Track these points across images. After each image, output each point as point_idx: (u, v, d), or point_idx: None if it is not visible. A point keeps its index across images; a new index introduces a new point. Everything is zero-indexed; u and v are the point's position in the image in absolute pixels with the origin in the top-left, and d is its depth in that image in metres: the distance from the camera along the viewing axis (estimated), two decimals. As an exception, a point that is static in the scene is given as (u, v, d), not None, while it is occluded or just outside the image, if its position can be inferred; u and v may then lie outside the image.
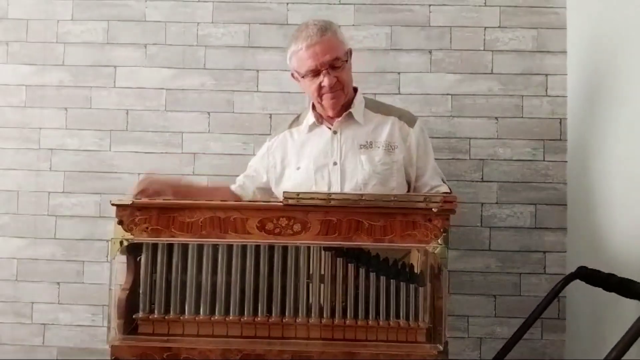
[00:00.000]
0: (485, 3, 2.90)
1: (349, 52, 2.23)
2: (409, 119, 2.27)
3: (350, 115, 2.24)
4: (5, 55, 2.98)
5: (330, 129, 2.25)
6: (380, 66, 2.87)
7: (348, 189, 2.15)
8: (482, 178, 2.87)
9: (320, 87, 2.15)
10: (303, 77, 2.17)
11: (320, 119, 2.28)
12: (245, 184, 2.41)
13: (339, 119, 2.23)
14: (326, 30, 2.14)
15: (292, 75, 2.26)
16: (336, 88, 2.15)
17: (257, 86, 2.95)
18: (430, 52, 2.92)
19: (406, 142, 2.23)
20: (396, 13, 2.93)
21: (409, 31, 2.93)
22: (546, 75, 2.87)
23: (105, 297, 2.83)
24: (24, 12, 2.99)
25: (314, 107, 2.30)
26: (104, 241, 2.89)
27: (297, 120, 2.39)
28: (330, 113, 2.24)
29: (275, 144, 2.36)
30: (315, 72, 2.13)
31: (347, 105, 2.25)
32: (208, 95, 2.95)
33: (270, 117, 2.94)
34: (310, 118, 2.29)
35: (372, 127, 2.24)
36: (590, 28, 2.63)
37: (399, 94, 2.90)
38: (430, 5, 2.92)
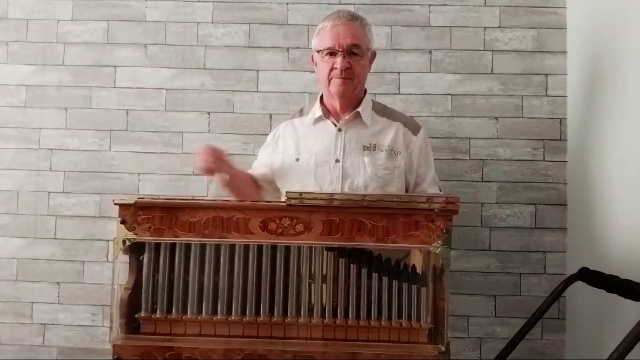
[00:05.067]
0: (485, 3, 2.91)
1: (372, 53, 2.27)
2: (413, 127, 2.29)
3: (358, 115, 2.25)
4: (5, 55, 2.98)
5: (335, 125, 2.25)
6: (380, 66, 2.86)
7: (348, 188, 2.16)
8: (482, 178, 2.87)
9: (331, 69, 2.17)
10: (319, 52, 2.20)
11: (327, 114, 2.28)
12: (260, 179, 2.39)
13: (346, 117, 2.24)
14: (356, 19, 2.20)
15: (312, 58, 2.29)
16: (347, 75, 2.16)
17: (257, 86, 2.95)
18: (430, 52, 2.92)
19: (408, 148, 2.24)
20: (396, 13, 2.94)
21: (409, 31, 2.94)
22: (546, 75, 2.87)
23: (105, 297, 2.85)
24: (24, 12, 2.99)
25: (322, 101, 2.31)
26: (104, 241, 2.90)
27: (300, 112, 2.39)
28: (336, 101, 2.25)
29: (278, 133, 2.37)
30: (332, 52, 2.16)
31: (356, 104, 2.26)
32: (208, 95, 2.95)
33: (270, 117, 2.94)
34: (316, 111, 2.29)
35: (376, 130, 2.25)
36: (590, 28, 2.63)
37: (399, 94, 2.91)
38: (430, 5, 2.93)
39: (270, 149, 2.38)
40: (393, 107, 2.43)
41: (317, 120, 2.29)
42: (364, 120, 2.24)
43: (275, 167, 2.32)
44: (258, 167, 2.40)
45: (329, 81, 2.20)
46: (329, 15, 2.23)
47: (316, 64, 2.27)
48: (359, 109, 2.24)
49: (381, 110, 2.33)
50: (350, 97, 2.24)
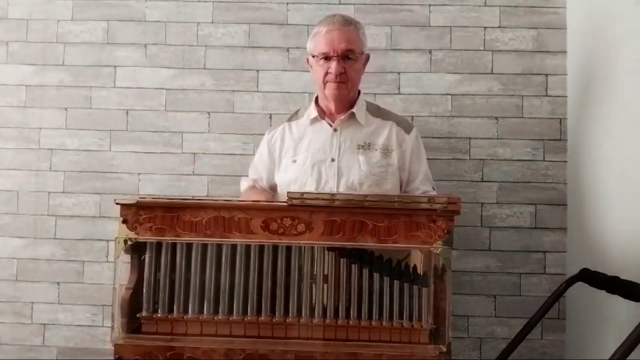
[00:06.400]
0: (485, 3, 2.91)
1: (365, 57, 2.30)
2: (406, 126, 2.34)
3: (352, 115, 2.28)
4: (5, 55, 2.98)
5: (331, 125, 2.29)
6: (380, 66, 2.87)
7: (343, 186, 2.19)
8: (482, 178, 2.87)
9: (326, 73, 2.20)
10: (314, 56, 2.24)
11: (322, 114, 2.32)
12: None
13: (341, 117, 2.27)
14: (350, 23, 2.23)
15: (307, 60, 2.33)
16: (341, 79, 2.20)
17: (257, 86, 2.94)
18: (430, 52, 2.92)
19: (401, 147, 2.28)
20: (396, 13, 2.93)
21: (409, 31, 2.93)
22: (546, 75, 2.87)
23: (105, 297, 2.84)
24: (24, 12, 2.98)
25: (317, 102, 2.35)
26: (104, 241, 2.88)
27: (296, 114, 2.43)
28: (331, 103, 2.29)
29: (274, 136, 2.40)
30: (327, 57, 2.19)
31: (350, 104, 2.30)
32: (208, 95, 2.95)
33: (270, 117, 2.93)
34: (312, 112, 2.33)
35: (371, 130, 2.29)
36: (590, 28, 2.63)
37: (399, 94, 2.91)
38: (430, 5, 2.93)
39: (268, 158, 2.41)
40: (387, 108, 2.46)
41: (313, 121, 2.33)
42: (359, 121, 2.29)
43: (275, 172, 2.38)
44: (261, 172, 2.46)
45: (324, 84, 2.24)
46: (323, 19, 2.27)
47: (311, 67, 2.30)
48: (354, 110, 2.29)
49: (375, 110, 2.37)
50: (345, 99, 2.28)
